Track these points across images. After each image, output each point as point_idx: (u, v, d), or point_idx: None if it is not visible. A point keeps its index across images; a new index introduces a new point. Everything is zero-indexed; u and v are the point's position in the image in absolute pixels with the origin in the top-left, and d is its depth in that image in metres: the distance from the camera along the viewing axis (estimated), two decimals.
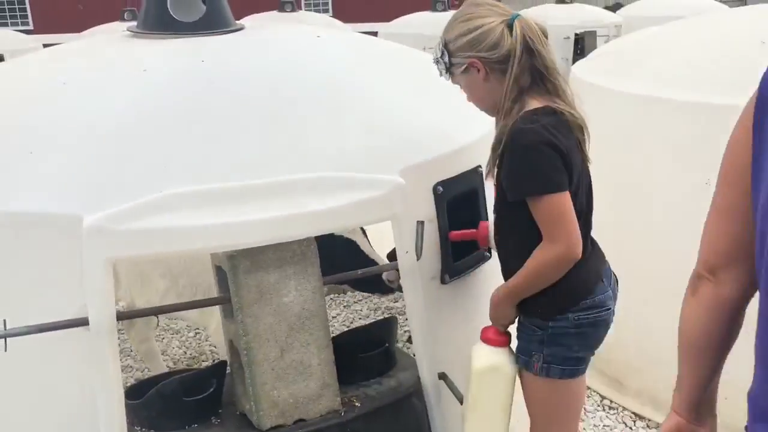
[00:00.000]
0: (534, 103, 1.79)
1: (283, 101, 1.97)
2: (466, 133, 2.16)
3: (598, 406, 3.01)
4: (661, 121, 2.84)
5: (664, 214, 2.83)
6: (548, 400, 1.97)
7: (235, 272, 1.74)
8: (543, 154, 1.71)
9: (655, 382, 2.96)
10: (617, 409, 3.00)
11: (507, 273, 1.91)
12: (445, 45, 1.84)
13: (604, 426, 2.89)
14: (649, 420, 2.91)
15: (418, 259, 1.95)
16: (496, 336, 1.95)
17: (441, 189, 2.02)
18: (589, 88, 3.15)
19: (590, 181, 1.94)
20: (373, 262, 2.52)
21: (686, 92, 2.77)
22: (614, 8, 13.45)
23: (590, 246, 1.95)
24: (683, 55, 3.01)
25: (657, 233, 2.86)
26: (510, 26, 1.75)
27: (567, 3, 11.97)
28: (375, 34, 10.37)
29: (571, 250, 1.73)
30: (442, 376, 2.06)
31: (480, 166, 2.18)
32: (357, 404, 1.90)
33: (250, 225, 1.67)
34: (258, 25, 2.67)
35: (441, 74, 1.89)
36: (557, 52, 4.27)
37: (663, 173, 2.80)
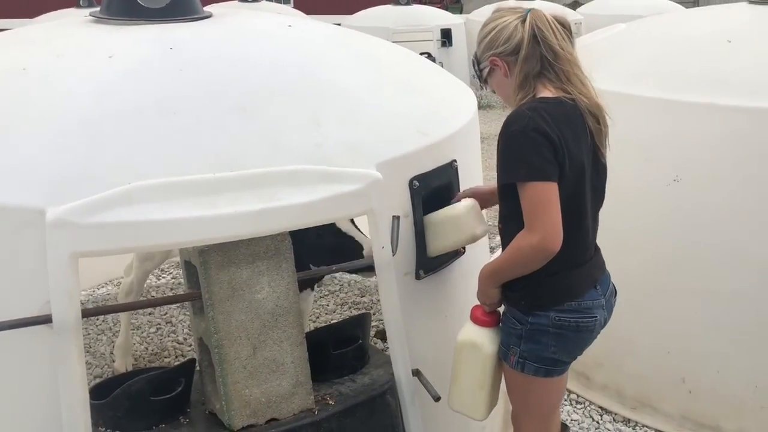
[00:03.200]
0: (544, 92, 1.81)
1: (257, 92, 1.91)
2: (441, 127, 2.13)
3: (566, 400, 3.03)
4: (630, 117, 2.85)
5: (633, 210, 2.85)
6: (523, 392, 1.98)
7: (206, 268, 1.68)
8: (530, 141, 1.71)
9: (620, 376, 3.00)
10: (584, 403, 3.02)
11: None
12: (475, 56, 1.92)
13: (571, 420, 2.91)
14: (615, 414, 2.94)
15: (393, 255, 1.91)
16: (481, 315, 1.99)
17: (417, 183, 1.99)
18: None
19: (603, 176, 1.94)
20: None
21: (655, 89, 2.80)
22: (572, 6, 13.63)
23: (592, 251, 1.96)
24: (651, 52, 3.04)
25: (625, 229, 2.88)
26: (524, 20, 1.80)
27: (529, 0, 12.09)
28: (338, 26, 10.30)
29: (546, 242, 1.72)
30: (416, 373, 2.03)
31: (455, 161, 2.16)
32: (331, 402, 1.86)
33: (221, 219, 1.61)
34: (226, 12, 2.59)
35: (480, 86, 1.97)
36: None
37: (632, 170, 2.82)
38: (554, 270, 1.78)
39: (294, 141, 1.81)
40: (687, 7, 8.05)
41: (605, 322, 1.97)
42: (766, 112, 2.55)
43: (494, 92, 1.95)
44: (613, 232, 2.91)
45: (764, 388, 2.67)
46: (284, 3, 18.26)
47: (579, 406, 3.00)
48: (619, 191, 2.87)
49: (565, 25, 1.82)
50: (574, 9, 12.62)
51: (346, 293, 3.93)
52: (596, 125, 1.85)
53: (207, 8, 2.44)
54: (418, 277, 2.06)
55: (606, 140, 1.92)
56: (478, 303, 2.00)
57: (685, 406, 2.83)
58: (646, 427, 2.85)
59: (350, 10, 12.25)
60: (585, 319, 1.87)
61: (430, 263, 2.09)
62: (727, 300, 2.67)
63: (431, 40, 10.94)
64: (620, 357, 2.97)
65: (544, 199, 1.71)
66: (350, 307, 3.77)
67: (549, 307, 1.85)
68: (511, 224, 1.84)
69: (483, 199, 2.10)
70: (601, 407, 2.98)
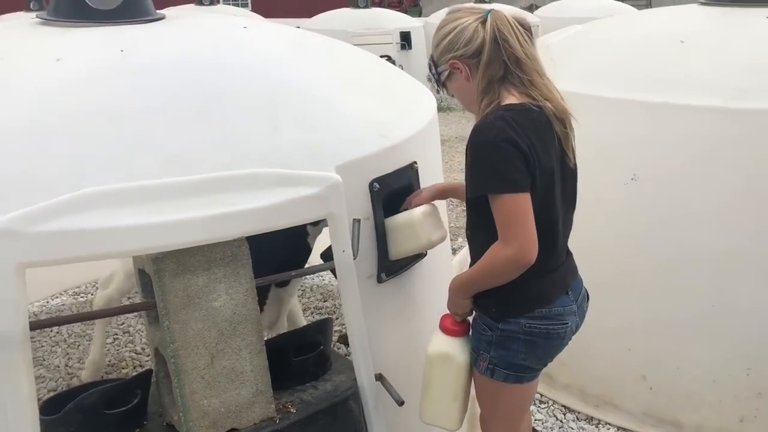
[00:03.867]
0: (509, 98, 1.77)
1: (211, 94, 1.86)
2: (401, 129, 2.11)
3: None
4: (587, 118, 2.88)
5: (592, 209, 2.87)
6: (492, 398, 1.97)
7: (161, 276, 1.63)
8: (501, 152, 1.67)
9: (582, 375, 3.02)
10: (548, 402, 3.03)
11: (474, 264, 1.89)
12: (431, 58, 1.86)
13: (535, 420, 2.91)
14: (579, 412, 2.96)
15: (354, 258, 1.89)
16: (451, 325, 1.97)
17: (377, 186, 1.97)
18: None
19: (574, 182, 1.92)
20: None
21: (610, 89, 2.83)
22: (530, 9, 13.81)
23: (564, 256, 1.94)
24: (607, 53, 3.07)
25: (586, 229, 2.89)
26: (484, 22, 1.75)
27: (486, 3, 12.22)
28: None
29: (522, 255, 1.69)
30: (379, 378, 2.01)
31: (415, 162, 2.15)
32: (292, 410, 1.82)
33: (175, 225, 1.57)
34: (179, 14, 2.54)
35: (437, 90, 1.90)
36: None
37: (590, 169, 2.84)
38: (526, 277, 1.76)
39: (250, 144, 1.77)
40: (640, 9, 8.23)
41: (577, 328, 1.96)
42: (718, 111, 2.59)
43: (452, 96, 1.90)
44: (574, 232, 2.94)
45: (721, 381, 2.72)
46: (242, 6, 18.13)
47: (543, 406, 3.02)
48: (578, 191, 2.91)
49: (525, 27, 1.78)
50: (531, 12, 12.79)
51: (308, 298, 3.89)
52: (563, 130, 1.83)
53: (161, 11, 2.39)
54: (380, 280, 2.04)
55: (573, 144, 1.90)
56: (447, 312, 1.97)
57: (646, 403, 2.86)
58: (609, 424, 2.87)
59: (309, 14, 12.19)
60: (556, 325, 1.86)
61: (391, 266, 2.07)
62: (683, 296, 2.71)
63: (390, 43, 10.96)
64: (583, 356, 2.98)
65: (518, 211, 1.69)
66: (313, 312, 3.73)
67: (520, 314, 1.83)
68: (480, 234, 1.82)
69: (444, 195, 2.08)
70: (564, 406, 3.00)
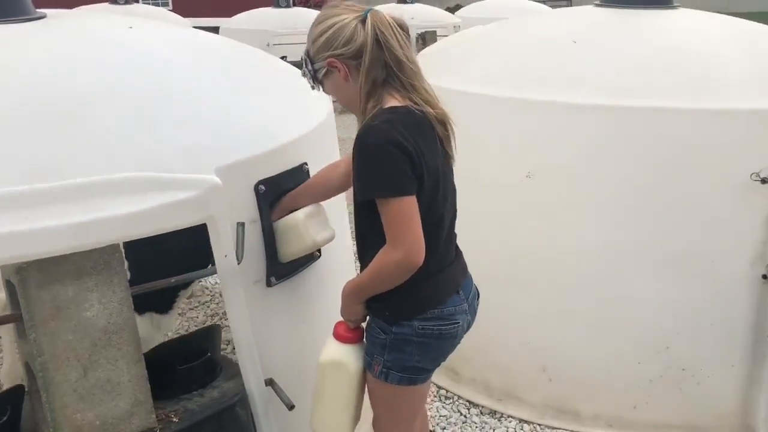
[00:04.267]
0: (392, 101, 1.75)
1: (84, 97, 1.80)
2: (289, 130, 2.09)
3: (435, 396, 3.07)
4: (484, 117, 2.93)
5: (489, 206, 2.93)
6: (387, 401, 1.97)
7: (25, 286, 1.56)
8: (388, 155, 1.66)
9: (486, 369, 3.07)
10: (453, 398, 3.07)
11: (363, 269, 1.87)
12: (307, 53, 1.80)
13: (440, 416, 2.94)
14: (483, 407, 3.00)
15: (239, 263, 1.86)
16: (344, 332, 1.94)
17: (263, 188, 1.95)
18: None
19: (453, 183, 1.92)
20: None
21: (507, 89, 2.88)
22: (455, 9, 13.97)
23: (453, 255, 1.95)
24: (505, 54, 3.13)
25: (483, 225, 2.95)
26: (363, 21, 1.72)
27: (408, 3, 12.29)
28: (216, 29, 10.03)
29: (410, 257, 1.70)
30: (270, 383, 1.99)
31: (306, 164, 2.13)
32: (175, 420, 1.78)
33: (40, 233, 1.50)
34: (63, 14, 2.44)
35: (312, 87, 1.83)
36: None
37: (487, 167, 2.90)
38: (416, 279, 1.76)
39: (124, 148, 1.72)
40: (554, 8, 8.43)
41: (469, 326, 1.98)
42: (603, 109, 2.68)
43: (328, 94, 1.87)
44: (472, 229, 2.99)
45: (614, 370, 2.81)
46: (162, 5, 17.68)
47: (447, 402, 3.05)
48: (476, 188, 2.95)
49: (404, 29, 1.77)
50: (454, 12, 12.95)
51: (217, 303, 3.82)
52: (444, 132, 1.84)
53: (75, 10, 2.30)
54: (269, 284, 2.01)
55: (454, 145, 1.92)
56: (341, 319, 1.95)
57: (547, 394, 2.93)
58: (511, 417, 2.93)
59: (229, 13, 12.00)
60: (447, 325, 1.87)
61: (282, 269, 2.05)
62: (576, 289, 2.79)
63: None
64: (486, 350, 3.04)
65: (405, 215, 1.68)
66: (221, 318, 3.67)
67: (412, 317, 1.83)
68: (369, 239, 1.82)
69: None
70: (468, 401, 3.04)
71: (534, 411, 2.95)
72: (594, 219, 2.75)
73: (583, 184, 2.75)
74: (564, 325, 2.85)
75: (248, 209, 1.93)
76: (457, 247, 2.02)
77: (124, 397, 1.70)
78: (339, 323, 1.96)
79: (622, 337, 2.78)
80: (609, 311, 2.77)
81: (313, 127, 2.23)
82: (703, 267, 2.69)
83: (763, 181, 2.58)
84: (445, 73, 3.21)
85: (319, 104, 2.43)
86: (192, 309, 3.76)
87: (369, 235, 1.83)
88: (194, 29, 2.77)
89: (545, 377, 2.92)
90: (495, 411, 2.97)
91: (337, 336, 1.94)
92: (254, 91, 2.19)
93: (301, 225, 1.95)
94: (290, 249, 1.99)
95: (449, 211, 1.90)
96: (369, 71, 1.72)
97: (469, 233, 2.97)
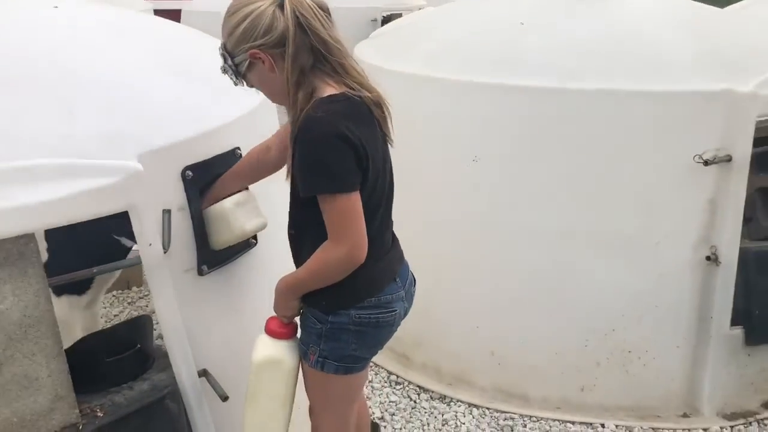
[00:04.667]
0: (327, 89, 1.67)
1: None
2: (219, 114, 2.02)
3: (386, 382, 3.05)
4: (431, 99, 2.90)
5: (436, 191, 2.90)
6: (323, 390, 1.93)
7: None
8: (333, 149, 1.60)
9: (437, 354, 3.06)
10: (403, 384, 3.05)
11: (299, 264, 1.82)
12: (224, 47, 1.69)
13: (390, 402, 2.93)
14: (433, 391, 2.99)
15: (166, 251, 1.80)
16: (278, 327, 1.87)
17: (191, 174, 1.88)
18: (367, 68, 3.14)
19: (391, 166, 1.85)
20: None
21: (453, 71, 2.84)
22: None
23: (390, 242, 1.90)
24: (452, 35, 3.09)
25: (430, 210, 2.92)
26: (281, 6, 1.62)
27: None
28: (178, 12, 9.80)
29: (354, 254, 1.66)
30: (204, 373, 1.94)
31: (239, 148, 2.07)
32: (99, 414, 1.72)
33: None
34: None
35: (235, 82, 1.73)
36: (364, 32, 4.26)
37: (433, 150, 2.87)
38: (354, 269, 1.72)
39: (38, 133, 1.64)
40: None
41: (405, 313, 1.94)
42: (550, 92, 2.66)
43: (253, 87, 1.76)
44: (419, 213, 2.97)
45: (563, 354, 2.82)
46: None
47: (398, 387, 3.03)
48: (422, 172, 2.93)
49: (324, 9, 1.68)
50: None
51: None
52: (381, 114, 1.77)
53: None
54: (200, 272, 1.95)
55: (391, 126, 1.86)
56: (273, 315, 1.89)
57: (496, 379, 2.93)
58: (461, 401, 2.92)
59: None
60: (385, 314, 1.83)
61: (214, 257, 1.99)
62: (523, 273, 2.79)
63: None
64: (437, 335, 3.03)
65: (349, 212, 1.63)
66: None
67: (350, 306, 1.79)
68: (306, 231, 1.77)
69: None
70: (419, 386, 3.02)
71: (484, 395, 2.95)
72: (541, 203, 2.74)
73: (530, 167, 2.73)
74: (512, 309, 2.84)
75: (176, 196, 1.86)
76: (393, 234, 1.98)
77: (43, 392, 1.63)
78: (271, 319, 1.89)
79: (569, 321, 2.78)
80: (556, 295, 2.77)
81: (248, 110, 2.16)
82: (649, 250, 2.70)
83: (706, 163, 2.59)
84: (393, 55, 3.17)
85: None
86: (141, 298, 3.69)
87: (306, 229, 1.78)
88: (129, 11, 2.68)
89: (494, 361, 2.92)
90: (445, 396, 2.96)
91: (270, 332, 1.88)
92: (184, 73, 2.12)
93: (228, 213, 1.89)
94: (220, 238, 1.94)
95: (387, 198, 1.86)
96: (295, 58, 1.64)
97: (417, 217, 2.96)
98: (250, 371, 1.88)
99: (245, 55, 1.66)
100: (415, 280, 2.02)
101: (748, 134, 2.60)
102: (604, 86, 2.64)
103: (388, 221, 1.90)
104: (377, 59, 3.20)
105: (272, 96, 1.77)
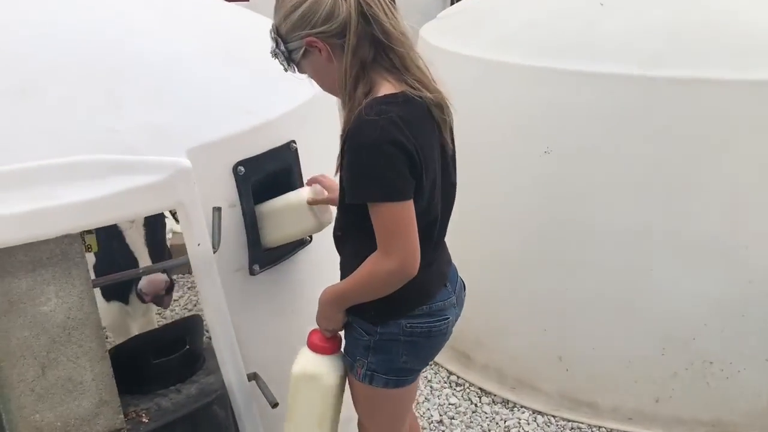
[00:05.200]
0: (386, 87, 1.52)
1: (44, 70, 1.65)
2: (272, 106, 1.92)
3: (445, 382, 2.93)
4: (499, 86, 2.72)
5: (504, 184, 2.73)
6: (371, 405, 1.82)
7: None
8: (385, 156, 1.45)
9: (500, 355, 2.91)
10: (464, 385, 2.92)
11: (345, 272, 1.70)
12: (277, 31, 1.55)
13: (449, 404, 2.80)
14: (495, 395, 2.85)
15: (215, 250, 1.71)
16: (319, 341, 1.76)
17: (243, 169, 1.79)
18: (433, 51, 2.98)
19: (454, 171, 1.71)
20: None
21: (524, 56, 2.65)
22: None
23: (440, 248, 1.76)
24: (522, 16, 2.89)
25: (497, 204, 2.76)
26: None
27: None
28: None
29: (405, 268, 1.52)
30: (254, 377, 1.86)
31: (294, 142, 1.96)
32: (145, 420, 1.66)
33: None
34: None
35: (285, 68, 1.60)
36: (433, 11, 4.09)
37: (502, 141, 2.70)
38: None
39: (83, 127, 1.57)
40: None
41: (457, 319, 1.81)
42: (630, 79, 2.44)
43: (305, 74, 1.63)
44: (485, 208, 2.80)
45: (637, 362, 2.62)
46: None
47: (458, 389, 2.90)
48: (489, 164, 2.76)
49: None
50: None
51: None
52: (441, 116, 1.60)
53: None
54: (252, 272, 1.87)
55: (452, 128, 1.70)
56: (316, 327, 1.77)
57: (563, 385, 2.76)
58: (524, 407, 2.77)
59: None
60: (437, 322, 1.70)
61: (267, 256, 1.90)
62: (596, 274, 2.59)
63: None
64: (499, 336, 2.88)
65: (401, 221, 1.49)
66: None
67: (401, 315, 1.67)
68: (349, 235, 1.66)
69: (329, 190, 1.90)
70: (480, 388, 2.89)
71: (549, 401, 2.79)
72: (618, 199, 2.54)
73: (606, 161, 2.53)
74: (583, 312, 2.66)
75: (227, 192, 1.78)
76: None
77: (87, 396, 1.58)
78: (314, 332, 1.77)
79: (645, 327, 2.58)
80: (630, 298, 2.57)
81: (303, 100, 2.05)
82: (736, 253, 2.47)
83: None
84: (460, 37, 3.00)
85: None
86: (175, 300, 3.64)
87: (353, 237, 1.67)
88: None
89: (561, 367, 2.75)
90: (507, 400, 2.81)
91: (312, 346, 1.76)
92: (238, 61, 2.01)
93: (304, 204, 1.79)
94: (286, 231, 1.84)
95: (446, 210, 1.71)
96: (356, 50, 1.49)
97: (482, 211, 2.81)
98: (290, 384, 1.78)
99: (301, 41, 1.52)
100: (464, 284, 1.88)
101: None
102: (689, 74, 2.40)
103: (443, 232, 1.76)
104: (444, 42, 3.03)
105: (327, 88, 1.63)
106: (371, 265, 1.55)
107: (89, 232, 2.11)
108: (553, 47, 2.64)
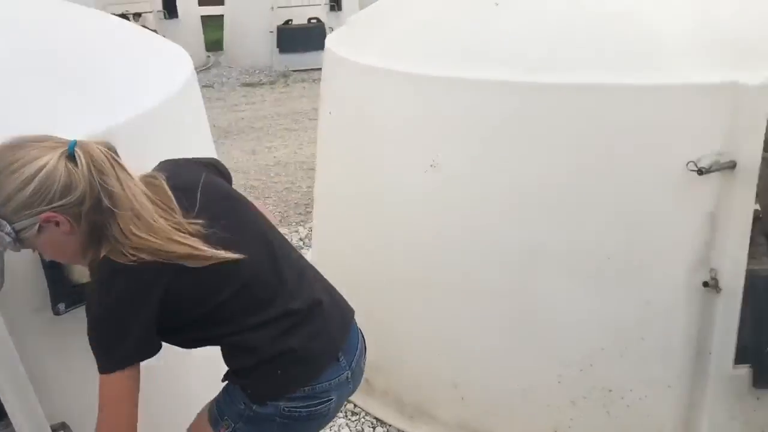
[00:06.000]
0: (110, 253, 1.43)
1: None
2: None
3: (341, 412, 2.74)
4: (384, 96, 2.54)
5: (390, 201, 2.55)
6: None
7: None
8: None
9: (398, 381, 2.73)
10: (359, 414, 2.74)
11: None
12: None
13: None
14: (390, 426, 2.67)
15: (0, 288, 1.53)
16: None
17: None
18: (339, 62, 2.81)
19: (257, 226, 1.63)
20: None
21: (408, 63, 2.47)
22: None
23: (316, 304, 1.59)
24: (410, 21, 2.70)
25: (389, 222, 2.58)
26: (72, 158, 1.35)
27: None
28: None
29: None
30: (62, 427, 1.68)
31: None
32: None
33: None
34: None
35: (9, 248, 1.42)
36: None
37: (384, 157, 2.52)
38: (280, 355, 1.53)
39: None
40: None
41: (351, 393, 1.68)
42: (516, 86, 2.25)
43: (35, 251, 1.51)
44: (375, 226, 2.62)
45: (532, 389, 2.44)
46: None
47: (354, 418, 2.72)
48: (375, 180, 2.58)
49: (114, 151, 1.43)
50: None
51: None
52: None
53: None
54: (57, 312, 1.69)
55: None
56: None
57: (460, 413, 2.58)
58: None
59: None
60: (319, 405, 1.58)
61: (76, 294, 1.72)
62: (489, 297, 2.41)
63: (320, 5, 10.60)
64: (396, 361, 2.70)
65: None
66: None
67: (279, 397, 1.56)
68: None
69: None
70: (376, 418, 2.71)
71: (447, 431, 2.60)
72: (508, 216, 2.35)
73: (495, 175, 2.34)
74: (476, 336, 2.48)
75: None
76: (329, 286, 1.69)
77: None
78: None
79: (539, 353, 2.40)
80: (523, 322, 2.39)
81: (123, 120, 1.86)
82: (634, 272, 2.28)
83: (700, 171, 2.14)
84: (354, 43, 2.82)
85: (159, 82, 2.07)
86: None
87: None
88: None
89: (457, 394, 2.57)
90: (403, 431, 2.63)
91: None
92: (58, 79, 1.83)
93: None
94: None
95: (273, 261, 1.58)
96: (88, 215, 1.39)
97: (370, 233, 2.63)
98: None
99: (34, 218, 1.36)
100: (365, 347, 1.72)
101: (757, 135, 2.13)
102: (580, 80, 2.21)
103: (301, 279, 1.61)
104: (345, 51, 2.85)
105: (66, 259, 1.54)
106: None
107: None
108: (439, 53, 2.46)
